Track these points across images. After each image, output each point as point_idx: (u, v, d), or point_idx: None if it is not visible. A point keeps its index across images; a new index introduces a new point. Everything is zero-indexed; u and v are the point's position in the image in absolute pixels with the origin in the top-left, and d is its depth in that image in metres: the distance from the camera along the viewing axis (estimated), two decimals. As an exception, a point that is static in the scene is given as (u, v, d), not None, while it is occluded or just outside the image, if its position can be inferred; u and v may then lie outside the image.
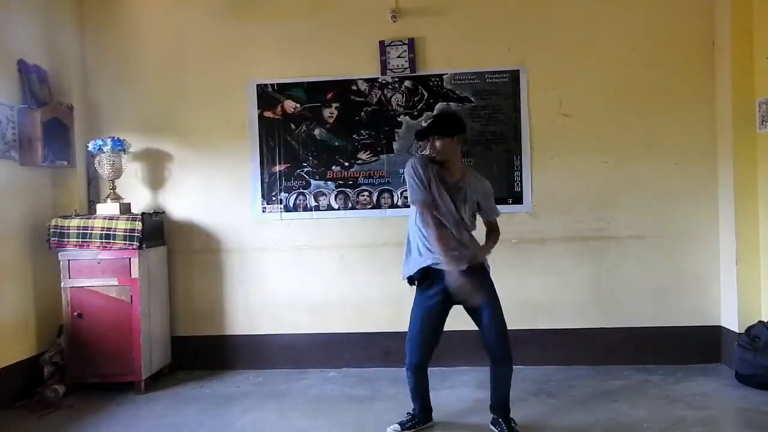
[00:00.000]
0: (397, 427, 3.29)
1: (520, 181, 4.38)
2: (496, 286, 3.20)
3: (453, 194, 3.14)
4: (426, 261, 3.11)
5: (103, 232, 4.05)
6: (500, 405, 3.23)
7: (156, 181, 4.59)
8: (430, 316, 3.16)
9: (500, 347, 3.14)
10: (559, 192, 4.36)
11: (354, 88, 4.48)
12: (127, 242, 4.04)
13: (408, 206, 3.76)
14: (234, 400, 3.91)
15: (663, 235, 4.31)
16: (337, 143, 4.51)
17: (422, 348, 3.18)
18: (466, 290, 3.00)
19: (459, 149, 3.18)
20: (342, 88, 4.48)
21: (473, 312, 3.18)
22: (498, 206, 4.28)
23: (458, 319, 4.28)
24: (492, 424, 3.27)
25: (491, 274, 3.25)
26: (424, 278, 3.16)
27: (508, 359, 3.16)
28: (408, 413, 3.35)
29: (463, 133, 3.17)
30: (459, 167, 3.20)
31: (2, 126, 3.90)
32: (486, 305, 3.11)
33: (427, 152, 3.19)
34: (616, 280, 4.34)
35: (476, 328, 3.11)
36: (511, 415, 3.24)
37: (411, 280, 3.22)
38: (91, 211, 4.44)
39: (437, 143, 3.11)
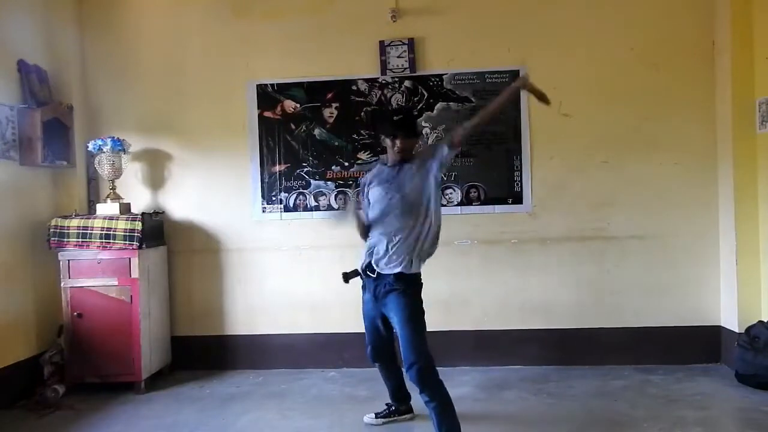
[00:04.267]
0: (372, 415, 3.42)
1: (520, 181, 4.38)
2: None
3: (390, 183, 3.12)
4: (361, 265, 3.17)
5: (103, 232, 4.06)
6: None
7: (156, 181, 4.59)
8: (368, 314, 3.27)
9: (405, 356, 3.03)
10: (559, 192, 4.35)
11: (354, 88, 4.48)
12: (127, 242, 4.05)
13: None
14: (234, 400, 3.91)
15: (663, 235, 4.31)
16: (337, 143, 4.50)
17: (370, 340, 3.31)
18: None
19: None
20: (342, 88, 4.48)
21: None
22: (498, 206, 4.24)
23: (458, 319, 4.27)
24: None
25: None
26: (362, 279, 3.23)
27: (410, 365, 3.02)
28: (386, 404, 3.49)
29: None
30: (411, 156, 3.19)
31: (2, 126, 3.90)
32: (396, 320, 3.10)
33: (389, 146, 3.15)
34: (616, 280, 4.33)
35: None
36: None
37: (345, 276, 3.23)
38: (91, 211, 4.44)
39: (403, 142, 3.10)
